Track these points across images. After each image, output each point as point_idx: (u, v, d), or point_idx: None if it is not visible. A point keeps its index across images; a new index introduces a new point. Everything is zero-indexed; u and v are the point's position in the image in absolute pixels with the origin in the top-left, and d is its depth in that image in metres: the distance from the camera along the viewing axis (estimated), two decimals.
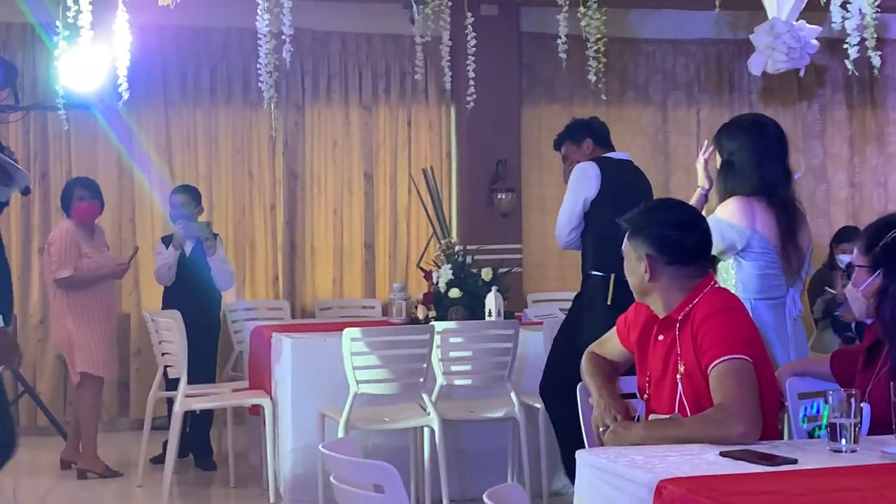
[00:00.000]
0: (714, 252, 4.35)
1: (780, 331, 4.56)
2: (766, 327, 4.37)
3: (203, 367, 7.35)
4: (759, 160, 4.56)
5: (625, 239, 3.72)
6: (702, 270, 3.65)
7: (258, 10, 7.17)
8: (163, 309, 7.62)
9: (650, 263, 3.59)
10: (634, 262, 3.65)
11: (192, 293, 7.46)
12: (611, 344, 3.91)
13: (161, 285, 7.76)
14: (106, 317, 7.49)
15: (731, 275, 4.51)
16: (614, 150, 5.96)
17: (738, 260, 4.48)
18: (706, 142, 5.03)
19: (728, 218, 4.48)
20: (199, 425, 7.55)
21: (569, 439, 4.82)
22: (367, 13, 9.32)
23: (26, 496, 6.88)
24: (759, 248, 4.48)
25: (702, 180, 4.93)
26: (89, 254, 7.44)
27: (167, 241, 7.63)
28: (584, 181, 5.63)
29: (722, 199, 4.61)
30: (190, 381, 6.68)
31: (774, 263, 4.49)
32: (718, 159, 4.68)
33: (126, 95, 7.18)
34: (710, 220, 4.38)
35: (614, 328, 3.92)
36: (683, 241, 3.61)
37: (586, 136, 5.87)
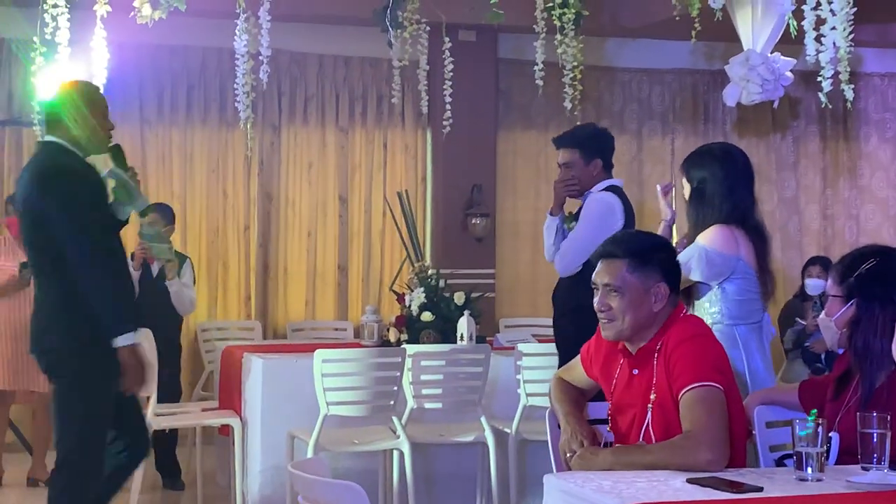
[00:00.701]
0: (701, 279, 4.41)
1: (764, 353, 4.58)
2: (751, 351, 4.39)
3: (163, 389, 7.37)
4: (730, 188, 4.56)
5: (619, 272, 3.60)
6: (677, 299, 3.69)
7: (236, 31, 7.18)
8: None
9: (662, 293, 3.58)
10: (642, 293, 3.56)
11: (153, 314, 7.38)
12: (576, 371, 3.91)
13: None
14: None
15: (714, 301, 4.49)
16: (612, 172, 5.84)
17: (722, 287, 4.47)
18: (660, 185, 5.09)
19: (714, 247, 4.45)
20: (165, 445, 7.50)
21: None
22: (345, 36, 9.33)
23: None
24: (743, 274, 4.48)
25: (664, 212, 4.94)
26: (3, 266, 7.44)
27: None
28: (612, 218, 5.48)
29: (696, 227, 4.59)
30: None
31: (754, 288, 4.51)
32: (687, 188, 4.66)
33: None
34: (695, 249, 4.45)
35: (579, 356, 3.92)
36: (679, 270, 3.67)
37: (598, 156, 5.69)
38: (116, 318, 4.76)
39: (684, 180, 4.67)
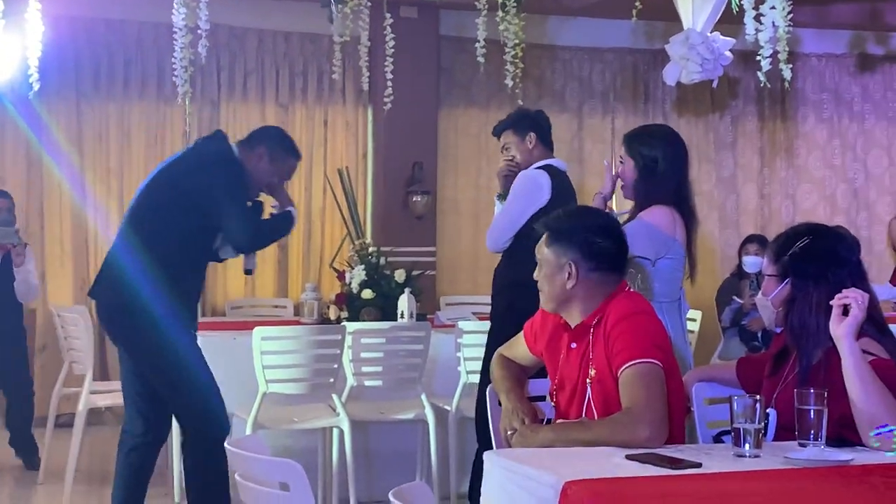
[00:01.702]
0: (642, 255, 4.45)
1: (682, 328, 4.73)
2: (671, 326, 4.44)
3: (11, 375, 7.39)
4: (677, 169, 4.67)
5: (543, 245, 3.68)
6: (620, 277, 3.67)
7: (174, 4, 7.10)
8: None
9: (575, 270, 3.58)
10: (554, 269, 3.61)
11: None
12: (519, 348, 3.91)
13: None
14: None
15: (644, 277, 4.54)
16: (553, 151, 5.81)
17: (656, 265, 4.52)
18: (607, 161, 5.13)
19: (657, 225, 4.53)
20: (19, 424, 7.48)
21: None
22: (286, 11, 9.28)
23: None
24: (675, 255, 4.56)
25: (606, 186, 4.94)
26: None
27: None
28: (537, 193, 5.44)
29: (642, 203, 4.65)
30: None
31: (681, 268, 4.59)
32: (630, 163, 4.70)
33: (37, 86, 7.07)
34: (638, 224, 4.52)
35: (522, 333, 3.92)
36: (609, 247, 3.63)
37: (531, 129, 5.67)
38: None
39: (628, 155, 4.71)
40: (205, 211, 5.07)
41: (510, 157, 5.68)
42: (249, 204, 5.34)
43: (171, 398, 5.13)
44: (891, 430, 3.07)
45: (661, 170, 4.64)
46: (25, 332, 7.79)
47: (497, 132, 5.82)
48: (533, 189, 5.45)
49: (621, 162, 4.76)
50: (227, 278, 9.39)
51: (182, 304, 5.11)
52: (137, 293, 5.00)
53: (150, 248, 5.05)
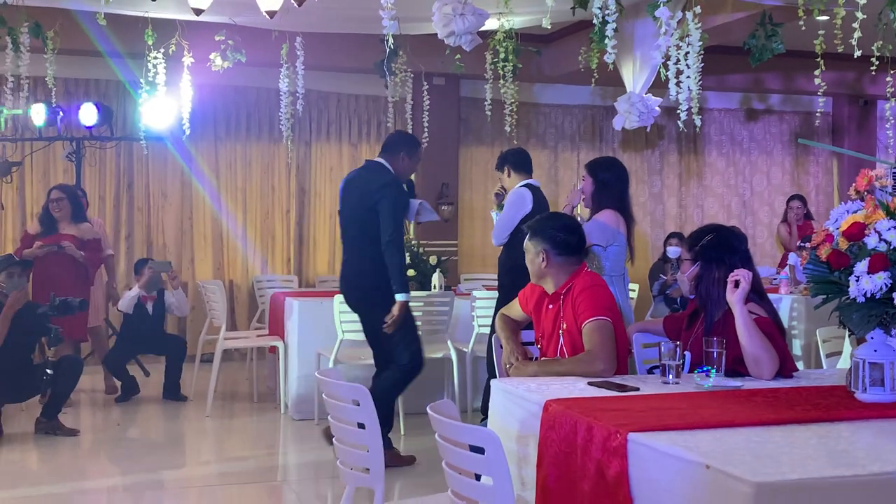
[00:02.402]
0: (596, 242, 4.48)
1: (626, 295, 4.76)
2: (617, 293, 4.45)
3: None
4: (623, 186, 4.67)
5: (526, 239, 3.70)
6: (579, 260, 3.67)
7: (280, 76, 7.15)
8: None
9: (546, 256, 3.59)
10: (533, 255, 3.63)
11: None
12: (515, 309, 3.90)
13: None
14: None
15: (598, 259, 4.57)
16: (531, 174, 5.71)
17: (606, 250, 4.55)
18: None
19: (607, 222, 4.55)
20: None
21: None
22: (355, 80, 9.27)
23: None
24: (619, 243, 4.57)
25: (572, 196, 4.88)
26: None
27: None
28: (522, 204, 5.41)
29: (596, 209, 4.65)
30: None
31: (623, 253, 4.61)
32: (589, 180, 4.68)
33: (188, 132, 7.13)
34: (594, 223, 4.55)
35: (517, 298, 3.92)
36: (568, 240, 3.63)
37: (506, 164, 5.65)
38: (401, 282, 5.06)
39: (589, 176, 4.70)
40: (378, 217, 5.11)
41: (500, 186, 5.70)
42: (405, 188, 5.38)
43: (390, 343, 5.19)
44: (706, 370, 3.06)
45: (611, 186, 4.63)
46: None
47: (496, 168, 5.82)
48: (518, 201, 5.47)
49: (583, 180, 4.74)
50: (317, 262, 9.42)
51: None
52: (373, 281, 5.13)
53: (364, 248, 5.17)
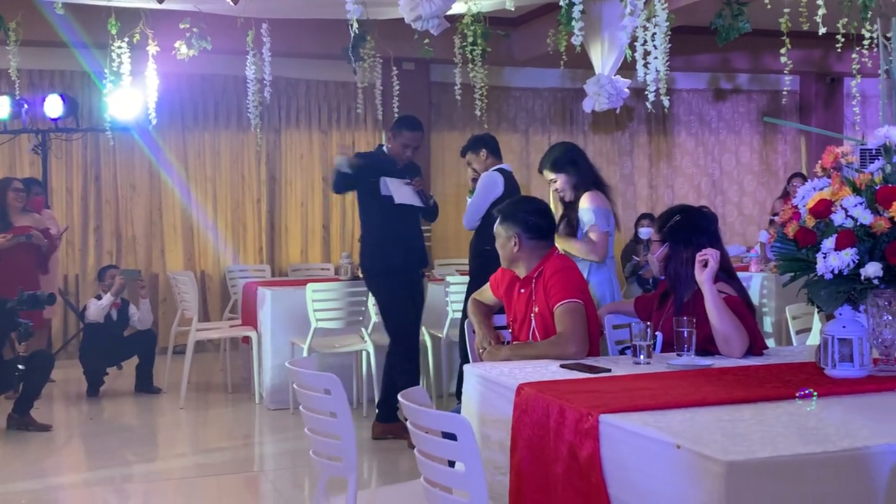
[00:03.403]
0: (608, 229, 4.33)
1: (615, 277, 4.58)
2: (612, 276, 4.39)
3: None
4: (590, 165, 4.55)
5: (496, 224, 3.68)
6: (550, 243, 3.65)
7: (247, 63, 7.08)
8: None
9: (518, 240, 3.57)
10: (505, 240, 3.60)
11: None
12: (487, 294, 3.89)
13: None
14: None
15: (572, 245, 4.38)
16: (502, 159, 5.74)
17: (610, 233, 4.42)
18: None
19: (601, 206, 4.37)
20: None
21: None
22: (324, 67, 9.20)
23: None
24: (612, 224, 4.45)
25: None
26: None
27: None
28: (494, 188, 5.41)
29: (578, 188, 4.43)
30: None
31: (614, 232, 4.48)
32: (564, 176, 4.46)
33: (155, 121, 7.04)
34: (595, 209, 4.32)
35: (488, 283, 3.91)
36: (539, 223, 3.61)
37: (483, 147, 5.65)
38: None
39: (563, 175, 4.46)
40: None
41: (474, 170, 5.65)
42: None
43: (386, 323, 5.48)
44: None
45: (582, 166, 4.48)
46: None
47: (463, 153, 5.81)
48: (490, 185, 5.44)
49: (554, 181, 4.48)
50: (289, 250, 9.36)
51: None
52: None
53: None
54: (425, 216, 5.68)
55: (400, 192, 5.39)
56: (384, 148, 5.55)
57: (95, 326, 6.86)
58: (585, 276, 4.04)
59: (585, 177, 4.45)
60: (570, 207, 4.47)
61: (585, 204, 4.37)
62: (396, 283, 5.39)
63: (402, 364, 5.32)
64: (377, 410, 5.56)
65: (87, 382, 6.92)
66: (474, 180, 5.65)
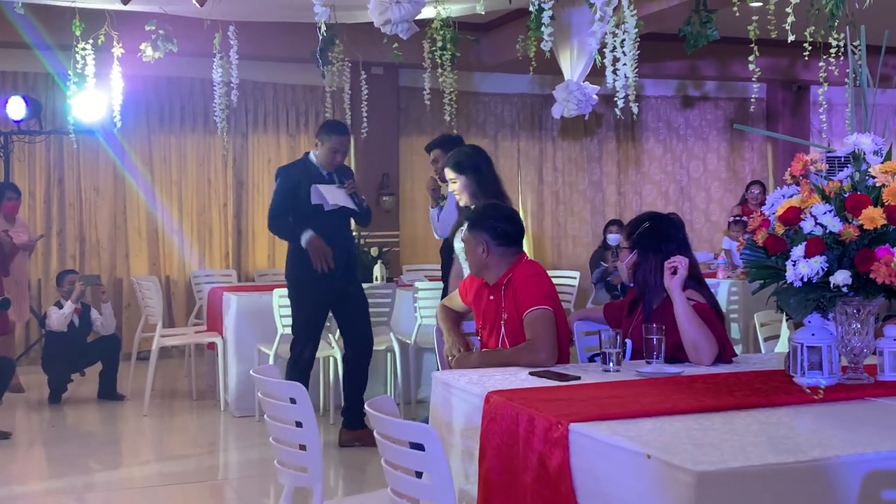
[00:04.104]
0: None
1: None
2: None
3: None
4: (495, 175, 4.41)
5: (465, 230, 3.65)
6: (519, 249, 3.62)
7: (214, 66, 7.00)
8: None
9: (486, 247, 3.54)
10: (474, 246, 3.56)
11: None
12: (456, 300, 3.85)
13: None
14: (17, 277, 7.12)
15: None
16: None
17: None
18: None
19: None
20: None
21: None
22: (292, 70, 9.13)
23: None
24: None
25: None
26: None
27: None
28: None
29: (476, 196, 4.27)
30: None
31: None
32: (463, 178, 4.32)
33: (119, 124, 6.94)
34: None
35: (457, 290, 3.87)
36: (508, 230, 3.58)
37: (454, 147, 5.62)
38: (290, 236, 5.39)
39: (460, 175, 4.32)
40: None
41: (438, 170, 5.48)
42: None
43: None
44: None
45: (485, 172, 4.31)
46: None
47: (428, 149, 5.68)
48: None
49: (454, 181, 4.32)
50: (255, 255, 9.27)
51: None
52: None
53: None
54: (358, 220, 5.59)
55: (331, 195, 5.35)
56: (311, 156, 5.45)
57: (58, 333, 6.74)
58: None
59: (486, 186, 4.29)
60: (465, 212, 4.30)
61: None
62: (319, 290, 5.29)
63: (290, 371, 5.27)
64: (342, 417, 5.50)
65: (49, 389, 6.80)
66: (433, 190, 5.51)
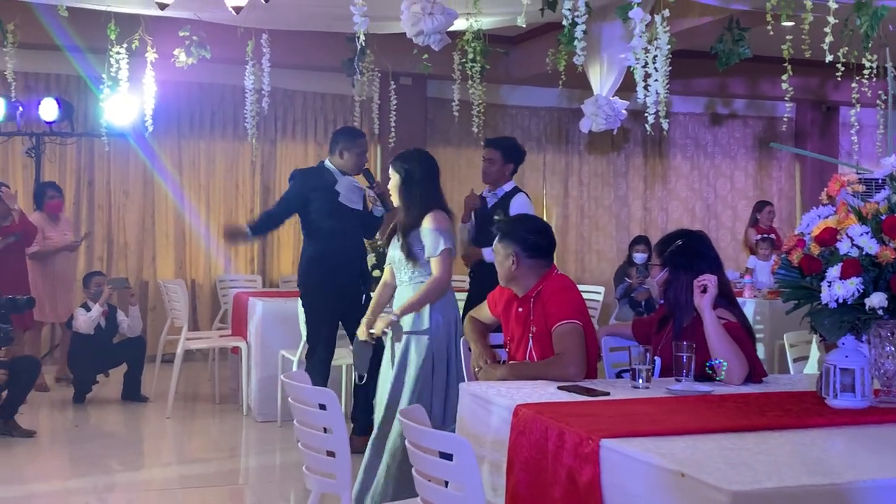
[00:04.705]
0: (451, 246, 3.97)
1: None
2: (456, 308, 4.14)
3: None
4: (438, 183, 4.18)
5: (495, 241, 3.64)
6: (549, 262, 3.61)
7: (246, 73, 7.05)
8: None
9: (516, 259, 3.53)
10: (503, 258, 3.56)
11: None
12: (484, 312, 3.84)
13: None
14: (61, 277, 7.24)
15: (426, 266, 4.00)
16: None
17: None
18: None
19: (447, 227, 4.03)
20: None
21: None
22: (322, 79, 9.17)
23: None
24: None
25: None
26: (51, 237, 7.26)
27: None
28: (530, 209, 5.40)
29: (416, 207, 4.03)
30: None
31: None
32: (396, 178, 4.11)
33: (151, 128, 7.00)
34: (433, 230, 3.93)
35: (486, 301, 3.86)
36: (538, 242, 3.57)
37: (513, 162, 5.51)
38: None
39: (395, 173, 4.12)
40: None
41: (489, 161, 5.49)
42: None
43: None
44: (720, 362, 3.06)
45: (419, 178, 4.07)
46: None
47: (488, 144, 5.59)
48: (528, 208, 5.40)
49: (390, 178, 4.12)
50: (281, 261, 9.31)
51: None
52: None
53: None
54: (368, 225, 5.51)
55: (350, 192, 5.40)
56: (327, 163, 5.47)
57: (83, 334, 6.79)
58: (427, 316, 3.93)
59: (412, 192, 4.03)
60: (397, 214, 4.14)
61: (429, 224, 3.99)
62: (330, 299, 5.31)
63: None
64: (352, 423, 5.49)
65: (73, 389, 6.84)
66: (473, 210, 5.44)
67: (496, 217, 5.31)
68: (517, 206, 5.39)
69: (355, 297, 5.41)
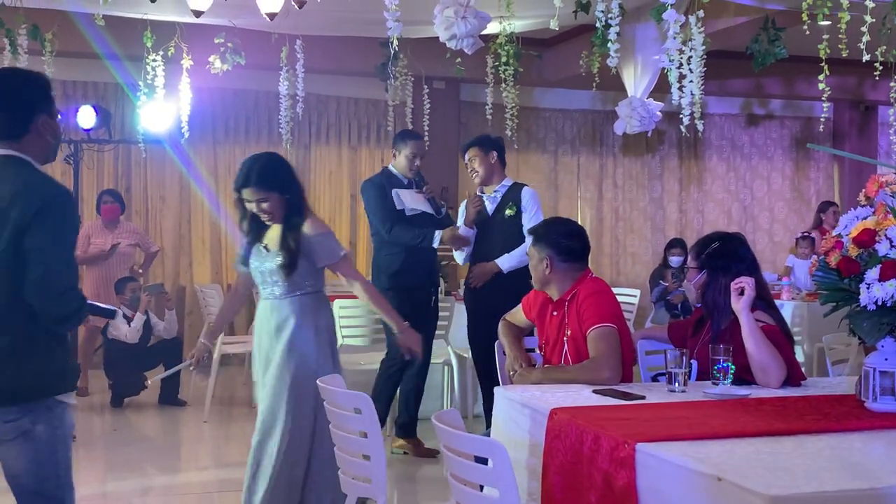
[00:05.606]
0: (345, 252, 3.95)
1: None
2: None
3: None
4: (301, 186, 4.07)
5: (529, 245, 3.65)
6: (584, 265, 3.61)
7: (280, 79, 7.11)
8: None
9: (550, 262, 3.54)
10: (537, 261, 3.56)
11: None
12: (518, 315, 3.84)
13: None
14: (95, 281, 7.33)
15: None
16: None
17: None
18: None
19: (330, 230, 4.06)
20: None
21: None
22: (356, 84, 9.22)
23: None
24: None
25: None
26: (96, 243, 7.33)
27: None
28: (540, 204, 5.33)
29: (294, 215, 3.94)
30: None
31: None
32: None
33: (187, 134, 7.09)
34: (324, 234, 3.91)
35: (520, 305, 3.87)
36: (572, 246, 3.57)
37: (494, 149, 5.33)
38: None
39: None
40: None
41: (475, 170, 5.30)
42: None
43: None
44: (727, 366, 3.03)
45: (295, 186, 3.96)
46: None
47: (464, 149, 5.43)
48: (538, 200, 5.31)
49: (263, 200, 3.98)
50: None
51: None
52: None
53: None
54: (437, 226, 5.48)
55: (410, 199, 5.38)
56: (391, 167, 5.50)
57: (118, 340, 6.87)
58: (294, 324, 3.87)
59: (299, 199, 3.90)
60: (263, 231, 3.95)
61: (313, 230, 3.88)
62: (410, 300, 5.32)
63: (384, 383, 5.41)
64: (394, 425, 5.54)
65: (111, 393, 6.94)
66: (480, 211, 5.27)
67: (507, 212, 5.26)
68: (529, 196, 5.23)
69: (425, 299, 5.44)
